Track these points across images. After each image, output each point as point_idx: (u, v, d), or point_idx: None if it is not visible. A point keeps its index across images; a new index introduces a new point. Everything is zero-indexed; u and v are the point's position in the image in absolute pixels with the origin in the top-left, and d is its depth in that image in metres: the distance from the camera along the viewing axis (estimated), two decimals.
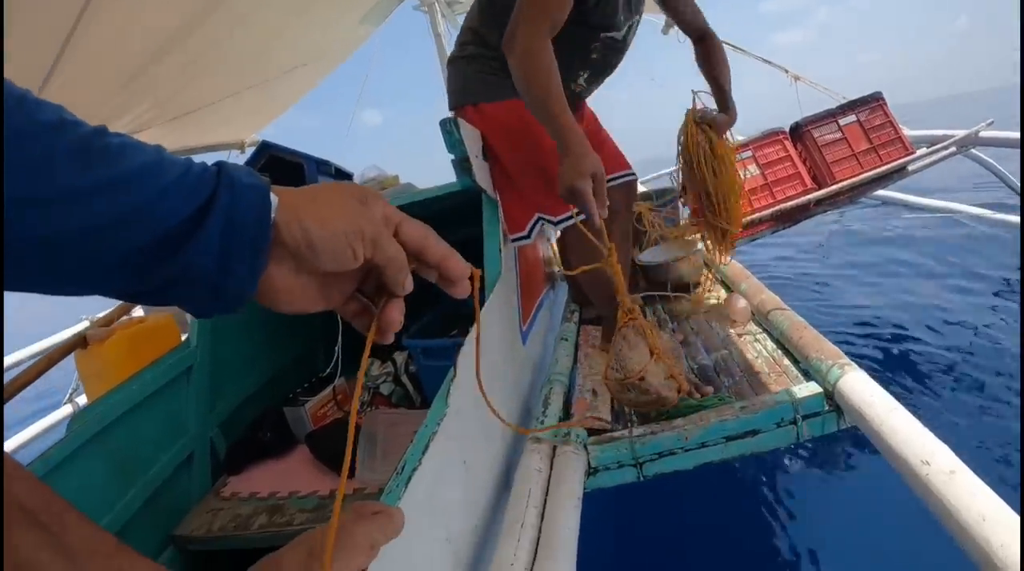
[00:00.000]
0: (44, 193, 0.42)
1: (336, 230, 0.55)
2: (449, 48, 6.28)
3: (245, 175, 0.53)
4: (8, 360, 4.68)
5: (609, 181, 2.08)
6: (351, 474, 1.73)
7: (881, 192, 4.92)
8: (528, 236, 1.88)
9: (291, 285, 0.57)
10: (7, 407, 2.32)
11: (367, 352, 0.63)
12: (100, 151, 0.46)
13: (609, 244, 1.58)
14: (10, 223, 0.41)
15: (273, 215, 0.53)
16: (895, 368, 3.20)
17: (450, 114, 1.86)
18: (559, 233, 2.07)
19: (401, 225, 0.61)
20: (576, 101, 2.06)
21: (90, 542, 0.53)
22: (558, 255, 3.02)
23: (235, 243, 0.51)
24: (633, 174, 2.27)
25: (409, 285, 0.62)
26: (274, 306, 0.57)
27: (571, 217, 1.78)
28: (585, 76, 1.95)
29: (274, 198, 0.53)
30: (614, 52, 1.93)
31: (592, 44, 1.84)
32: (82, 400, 5.22)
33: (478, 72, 1.95)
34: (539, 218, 1.85)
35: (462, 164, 1.66)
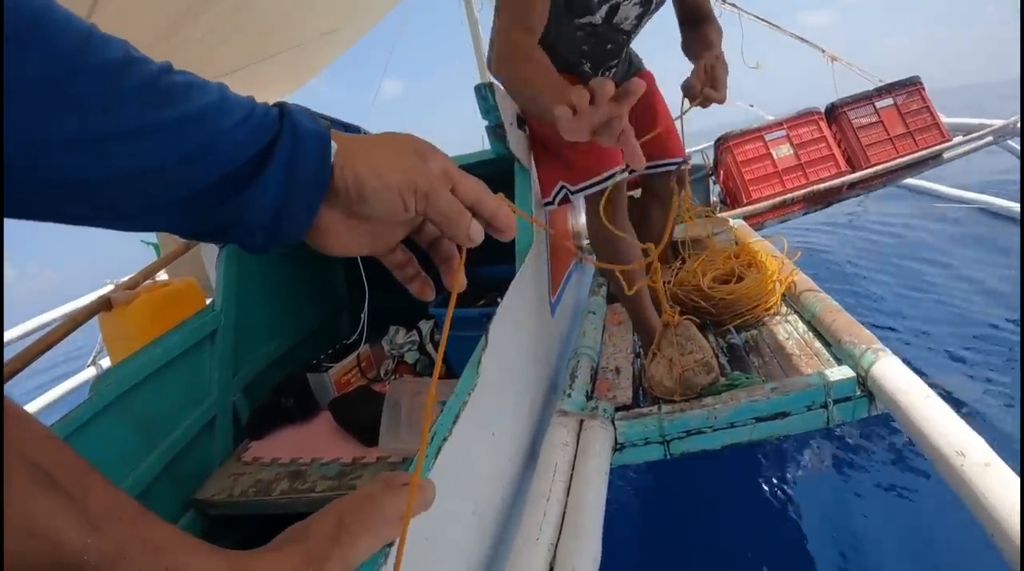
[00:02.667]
0: (111, 131, 0.42)
1: (389, 182, 0.55)
2: (480, 13, 6.24)
3: (307, 119, 0.54)
4: (34, 322, 4.75)
5: (659, 166, 2.05)
6: (374, 442, 1.72)
7: (913, 180, 4.86)
8: (552, 202, 1.86)
9: (340, 228, 0.57)
10: (30, 369, 2.33)
11: (451, 308, 0.64)
12: (167, 89, 0.46)
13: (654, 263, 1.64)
14: (77, 160, 0.42)
15: (332, 161, 0.54)
16: (927, 355, 3.18)
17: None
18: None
19: (459, 180, 0.61)
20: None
21: (112, 507, 0.52)
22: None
23: (294, 187, 0.52)
24: (684, 161, 2.15)
25: (477, 236, 0.62)
26: (321, 247, 0.59)
27: (587, 186, 1.80)
28: (588, 65, 1.88)
29: (333, 145, 0.54)
30: (602, 38, 1.82)
31: (575, 32, 1.77)
32: (106, 363, 5.30)
33: None
34: (562, 186, 1.84)
35: (495, 131, 1.63)
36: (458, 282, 0.67)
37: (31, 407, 4.76)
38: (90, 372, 5.39)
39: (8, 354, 2.39)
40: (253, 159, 0.50)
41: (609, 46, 1.84)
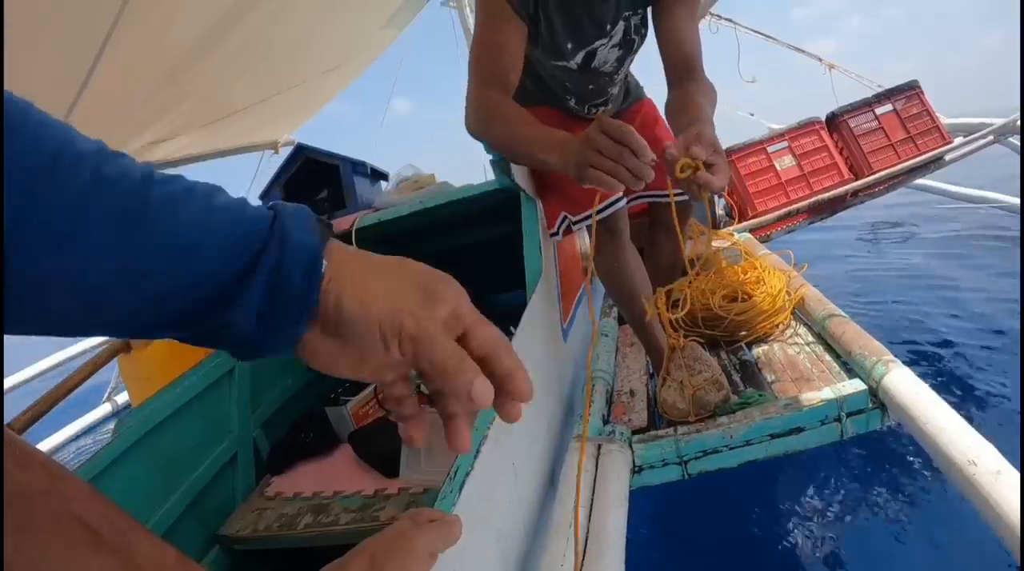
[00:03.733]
0: (75, 267, 0.41)
1: (370, 316, 0.51)
2: None
3: (301, 229, 0.50)
4: (53, 360, 4.80)
5: (664, 196, 1.91)
6: (395, 473, 1.74)
7: (919, 181, 4.86)
8: (556, 233, 1.86)
9: (327, 350, 0.53)
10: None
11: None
12: (139, 212, 0.43)
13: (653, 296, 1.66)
14: (51, 294, 0.41)
15: (320, 281, 0.50)
16: (936, 365, 3.17)
17: None
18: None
19: (473, 327, 0.55)
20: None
21: (156, 559, 0.52)
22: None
23: (276, 308, 0.49)
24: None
25: (483, 399, 0.51)
26: (310, 364, 0.54)
27: (588, 216, 1.78)
28: (573, 101, 1.88)
29: (324, 262, 0.50)
30: (583, 80, 1.81)
31: (555, 71, 1.78)
32: (120, 398, 5.36)
33: None
34: (564, 217, 1.84)
35: (500, 164, 1.66)
36: (462, 443, 0.57)
37: (50, 443, 4.82)
38: (105, 408, 5.44)
39: (30, 394, 2.43)
40: (236, 276, 0.48)
41: (591, 86, 1.83)
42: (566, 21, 1.62)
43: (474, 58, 1.57)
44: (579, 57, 1.70)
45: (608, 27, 1.65)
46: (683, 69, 1.57)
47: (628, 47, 1.74)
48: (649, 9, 1.67)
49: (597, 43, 1.68)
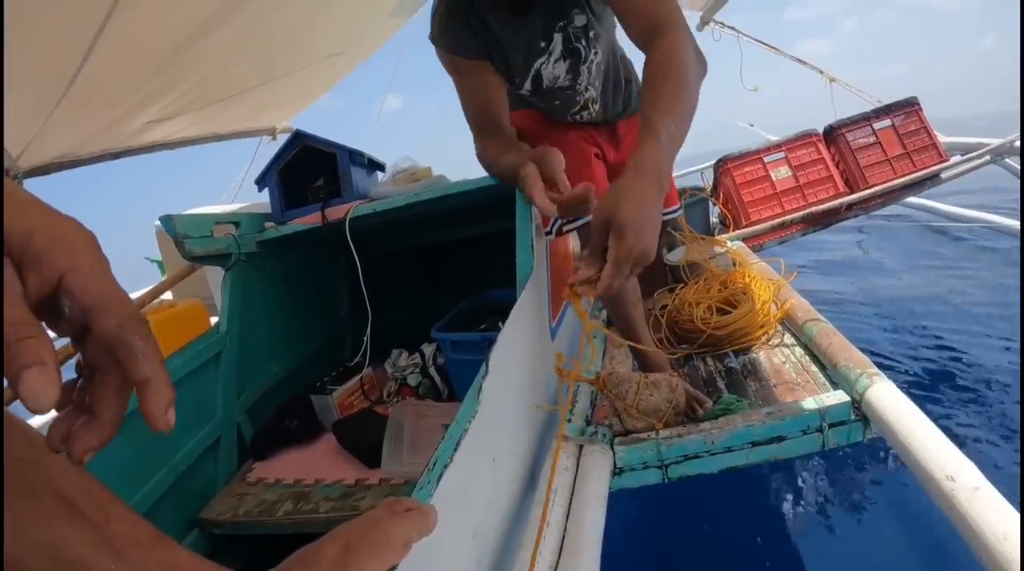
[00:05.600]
0: None
1: None
2: None
3: None
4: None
5: None
6: (377, 464, 1.74)
7: (913, 199, 4.88)
8: (550, 232, 1.86)
9: None
10: None
11: None
12: None
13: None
14: None
15: None
16: (921, 381, 3.18)
17: None
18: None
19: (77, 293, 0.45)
20: (598, 124, 1.94)
21: (132, 533, 0.53)
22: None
23: None
24: (673, 212, 2.08)
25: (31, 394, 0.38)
26: None
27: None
28: (557, 115, 1.87)
29: None
30: (546, 98, 1.80)
31: (521, 95, 1.81)
32: None
33: None
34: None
35: None
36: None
37: (36, 421, 4.77)
38: None
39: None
40: None
41: (557, 102, 1.81)
42: (500, 55, 1.65)
43: (464, 112, 1.72)
44: (528, 84, 1.73)
45: (542, 44, 1.61)
46: (647, 41, 1.33)
47: (576, 56, 1.66)
48: (589, 10, 1.57)
49: (537, 64, 1.66)
